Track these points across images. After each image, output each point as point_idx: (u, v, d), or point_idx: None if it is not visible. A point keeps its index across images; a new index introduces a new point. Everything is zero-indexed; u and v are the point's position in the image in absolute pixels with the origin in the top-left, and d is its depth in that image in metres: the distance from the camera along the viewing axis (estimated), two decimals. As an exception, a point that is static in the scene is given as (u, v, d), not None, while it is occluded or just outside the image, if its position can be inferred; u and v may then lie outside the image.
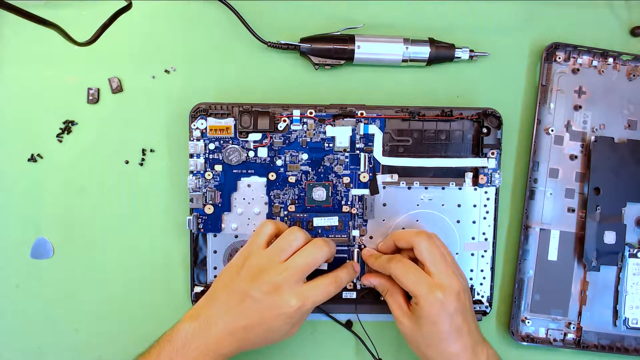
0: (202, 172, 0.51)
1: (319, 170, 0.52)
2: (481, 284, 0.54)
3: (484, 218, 0.53)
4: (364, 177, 0.52)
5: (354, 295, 0.53)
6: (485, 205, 0.53)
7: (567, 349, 0.54)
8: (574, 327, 0.54)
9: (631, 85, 0.54)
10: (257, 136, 0.52)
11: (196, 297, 0.52)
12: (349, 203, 0.52)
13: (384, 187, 0.53)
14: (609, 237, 0.53)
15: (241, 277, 0.45)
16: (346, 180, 0.52)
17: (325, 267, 0.53)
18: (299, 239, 0.46)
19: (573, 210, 0.54)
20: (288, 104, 0.52)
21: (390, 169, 0.52)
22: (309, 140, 0.52)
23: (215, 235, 0.53)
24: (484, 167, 0.52)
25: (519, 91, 0.55)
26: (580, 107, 0.54)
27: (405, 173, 0.53)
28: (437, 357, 0.45)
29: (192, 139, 0.51)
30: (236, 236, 0.53)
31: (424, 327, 0.45)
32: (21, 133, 0.53)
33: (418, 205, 0.53)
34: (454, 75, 0.55)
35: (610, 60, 0.54)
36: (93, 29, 0.44)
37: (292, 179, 0.52)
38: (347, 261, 0.52)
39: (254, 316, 0.44)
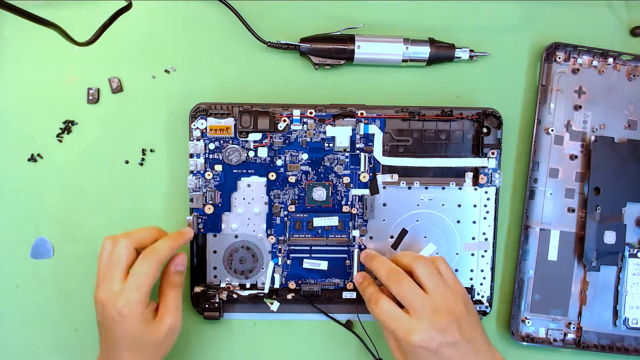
0: (202, 172, 0.51)
1: (319, 170, 0.52)
2: (481, 284, 0.54)
3: (484, 218, 0.53)
4: (364, 177, 0.52)
5: (354, 295, 0.53)
6: (485, 205, 0.53)
7: (567, 349, 0.54)
8: (574, 327, 0.54)
9: (631, 85, 0.54)
10: (257, 136, 0.52)
11: (196, 297, 0.52)
12: (349, 203, 0.52)
13: (384, 187, 0.53)
14: (609, 237, 0.53)
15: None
16: (346, 180, 0.52)
17: (325, 267, 0.53)
18: (124, 256, 0.44)
19: (573, 210, 0.54)
20: (288, 104, 0.52)
21: (390, 169, 0.52)
22: (309, 140, 0.52)
23: (215, 235, 0.53)
24: (484, 167, 0.52)
25: (519, 91, 0.55)
26: (580, 107, 0.54)
27: (406, 173, 0.53)
28: None
29: (192, 139, 0.51)
30: (236, 236, 0.53)
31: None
32: (21, 133, 0.53)
33: (418, 205, 0.53)
34: (454, 75, 0.55)
35: (610, 60, 0.54)
36: (93, 29, 0.44)
37: (292, 179, 0.52)
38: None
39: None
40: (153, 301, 0.46)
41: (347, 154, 0.52)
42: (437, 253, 0.53)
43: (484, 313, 0.54)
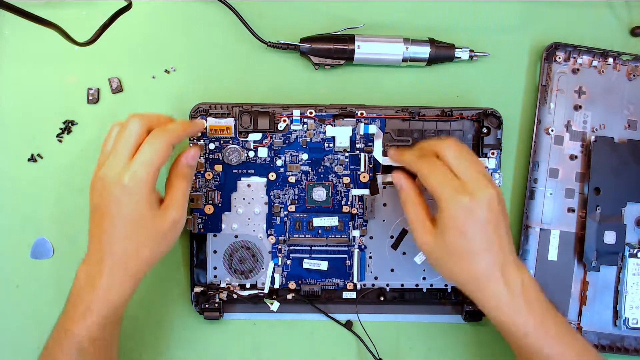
0: (202, 172, 0.51)
1: (319, 170, 0.52)
2: (481, 284, 0.54)
3: (484, 218, 0.53)
4: (364, 177, 0.52)
5: (354, 295, 0.53)
6: (485, 205, 0.53)
7: (567, 349, 0.54)
8: (574, 327, 0.54)
9: (631, 85, 0.54)
10: (257, 136, 0.52)
11: (196, 297, 0.52)
12: (349, 203, 0.52)
13: (384, 187, 0.53)
14: (609, 237, 0.53)
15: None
16: (346, 180, 0.52)
17: (325, 267, 0.53)
18: (134, 133, 0.41)
19: (573, 210, 0.54)
20: (288, 104, 0.52)
21: (390, 169, 0.52)
22: (309, 140, 0.52)
23: (215, 235, 0.53)
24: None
25: (519, 91, 0.55)
26: (580, 107, 0.54)
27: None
28: (461, 275, 0.41)
29: (192, 139, 0.51)
30: (236, 236, 0.53)
31: (447, 239, 0.40)
32: (21, 133, 0.53)
33: (418, 205, 0.53)
34: (454, 75, 0.55)
35: (610, 60, 0.54)
36: (93, 29, 0.44)
37: (292, 179, 0.52)
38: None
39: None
40: (159, 192, 0.43)
41: (347, 154, 0.52)
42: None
43: (484, 313, 0.53)
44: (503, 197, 0.43)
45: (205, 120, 0.51)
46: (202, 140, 0.51)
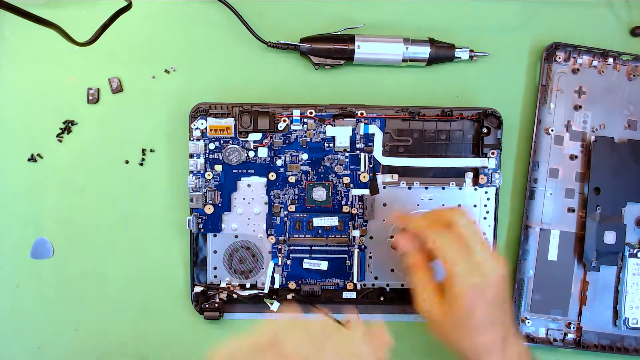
0: (202, 172, 0.51)
1: (319, 170, 0.52)
2: (481, 284, 0.54)
3: (484, 218, 0.53)
4: (364, 177, 0.52)
5: (354, 295, 0.53)
6: (485, 205, 0.53)
7: (567, 349, 0.54)
8: (574, 327, 0.54)
9: (631, 85, 0.54)
10: (257, 136, 0.52)
11: (196, 297, 0.52)
12: (349, 203, 0.52)
13: (384, 187, 0.53)
14: (609, 237, 0.53)
15: None
16: (346, 180, 0.52)
17: (325, 267, 0.53)
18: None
19: (573, 210, 0.54)
20: (288, 104, 0.52)
21: (390, 169, 0.52)
22: (309, 140, 0.52)
23: (215, 235, 0.53)
24: (484, 167, 0.52)
25: (519, 91, 0.55)
26: (580, 107, 0.54)
27: (406, 173, 0.52)
28: (462, 346, 0.42)
29: (192, 139, 0.51)
30: (236, 236, 0.53)
31: (454, 313, 0.41)
32: (21, 133, 0.53)
33: (418, 205, 0.53)
34: (454, 75, 0.55)
35: (610, 60, 0.54)
36: (93, 29, 0.44)
37: (292, 179, 0.52)
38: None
39: None
40: None
41: (347, 154, 0.52)
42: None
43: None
44: (508, 274, 0.43)
45: (205, 120, 0.51)
46: (202, 140, 0.51)
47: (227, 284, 0.53)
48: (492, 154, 0.52)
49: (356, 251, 0.53)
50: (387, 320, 0.54)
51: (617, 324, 0.54)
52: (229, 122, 0.51)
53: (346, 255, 0.53)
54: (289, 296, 0.52)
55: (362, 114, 0.52)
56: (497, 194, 0.53)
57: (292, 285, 0.53)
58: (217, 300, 0.52)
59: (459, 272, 0.40)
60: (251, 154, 0.52)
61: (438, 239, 0.42)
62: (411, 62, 0.53)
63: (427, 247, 0.42)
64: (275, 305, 0.52)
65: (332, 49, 0.52)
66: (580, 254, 0.53)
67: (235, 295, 0.52)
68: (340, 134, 0.52)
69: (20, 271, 0.53)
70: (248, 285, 0.53)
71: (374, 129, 0.52)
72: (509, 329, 0.42)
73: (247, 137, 0.52)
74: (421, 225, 0.44)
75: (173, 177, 0.54)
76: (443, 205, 0.53)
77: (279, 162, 0.52)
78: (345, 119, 0.52)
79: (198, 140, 0.51)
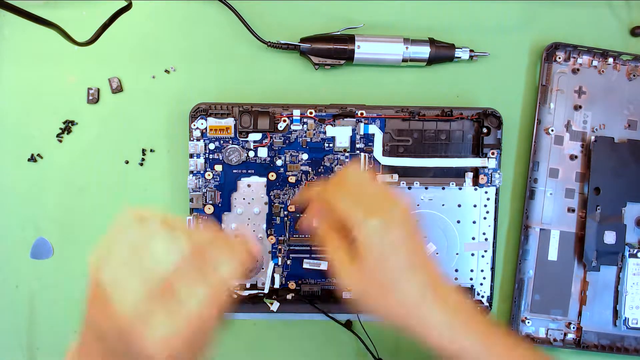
0: (202, 172, 0.51)
1: (319, 170, 0.52)
2: (481, 284, 0.54)
3: (484, 218, 0.53)
4: (364, 177, 0.52)
5: (354, 295, 0.53)
6: (485, 205, 0.53)
7: (567, 349, 0.54)
8: (574, 327, 0.54)
9: (631, 85, 0.54)
10: (257, 136, 0.52)
11: (196, 297, 0.52)
12: (349, 203, 0.52)
13: (384, 187, 0.53)
14: (609, 237, 0.53)
15: None
16: (346, 180, 0.52)
17: (325, 267, 0.53)
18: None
19: (573, 210, 0.54)
20: (288, 104, 0.52)
21: (390, 169, 0.52)
22: (309, 140, 0.52)
23: (215, 235, 0.53)
24: (484, 167, 0.52)
25: (519, 91, 0.55)
26: (580, 107, 0.54)
27: (406, 173, 0.52)
28: (392, 307, 0.37)
29: (192, 139, 0.51)
30: (236, 236, 0.53)
31: (368, 268, 0.37)
32: (21, 133, 0.53)
33: (418, 205, 0.53)
34: (454, 75, 0.55)
35: (610, 60, 0.54)
36: (93, 29, 0.44)
37: (292, 179, 0.52)
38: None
39: None
40: None
41: (347, 154, 0.52)
42: (437, 253, 0.53)
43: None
44: (408, 209, 0.39)
45: (205, 120, 0.51)
46: (202, 140, 0.51)
47: (227, 284, 0.53)
48: (492, 154, 0.52)
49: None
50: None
51: (617, 324, 0.54)
52: (229, 122, 0.51)
53: (346, 255, 0.53)
54: (289, 296, 0.52)
55: (362, 114, 0.52)
56: (497, 194, 0.53)
57: (292, 285, 0.53)
58: (217, 300, 0.52)
59: (357, 220, 0.37)
60: (251, 154, 0.52)
61: (331, 198, 0.39)
62: (411, 62, 0.53)
63: (330, 214, 0.39)
64: (275, 305, 0.52)
65: (332, 49, 0.52)
66: (580, 254, 0.53)
67: (235, 295, 0.52)
68: (340, 134, 0.52)
69: (20, 271, 0.53)
70: (248, 285, 0.53)
71: (374, 129, 0.52)
72: (434, 275, 0.38)
73: (247, 137, 0.52)
74: (318, 191, 0.42)
75: (173, 177, 0.54)
76: (443, 205, 0.53)
77: (279, 162, 0.52)
78: (345, 119, 0.52)
79: (198, 140, 0.51)
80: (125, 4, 0.45)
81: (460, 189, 0.53)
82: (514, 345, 0.39)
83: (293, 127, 0.52)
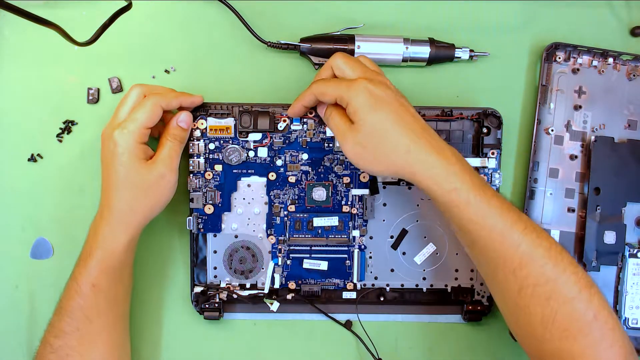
0: (202, 172, 0.51)
1: (319, 170, 0.52)
2: (481, 284, 0.54)
3: (484, 218, 0.53)
4: (364, 177, 0.52)
5: (354, 295, 0.53)
6: (485, 205, 0.53)
7: (567, 349, 0.54)
8: (574, 327, 0.54)
9: (631, 85, 0.54)
10: (257, 136, 0.52)
11: (196, 297, 0.52)
12: (349, 203, 0.52)
13: (384, 187, 0.53)
14: (609, 237, 0.53)
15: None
16: (346, 180, 0.52)
17: (325, 267, 0.53)
18: (132, 97, 0.47)
19: (573, 210, 0.54)
20: (288, 104, 0.52)
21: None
22: (309, 140, 0.52)
23: (215, 235, 0.53)
24: (484, 167, 0.52)
25: (519, 91, 0.55)
26: (580, 107, 0.54)
27: (405, 173, 0.52)
28: (391, 166, 0.43)
29: (192, 139, 0.51)
30: (236, 236, 0.53)
31: (363, 132, 0.42)
32: (21, 133, 0.53)
33: (418, 205, 0.53)
34: (454, 75, 0.55)
35: (610, 60, 0.54)
36: (93, 29, 0.44)
37: (292, 179, 0.52)
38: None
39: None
40: (152, 150, 0.48)
41: (347, 154, 0.52)
42: (437, 253, 0.53)
43: (484, 313, 0.53)
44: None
45: (205, 120, 0.51)
46: (202, 140, 0.51)
47: (227, 284, 0.53)
48: (492, 154, 0.52)
49: (356, 251, 0.53)
50: (387, 320, 0.54)
51: (617, 324, 0.53)
52: (229, 122, 0.51)
53: (346, 255, 0.53)
54: (289, 296, 0.52)
55: (362, 114, 0.52)
56: (497, 194, 0.53)
57: (292, 285, 0.53)
58: (217, 300, 0.52)
59: (343, 92, 0.42)
60: (251, 154, 0.52)
61: (322, 85, 0.45)
62: (411, 62, 0.53)
63: (331, 99, 0.45)
64: (275, 306, 0.52)
65: (332, 49, 0.52)
66: (580, 254, 0.53)
67: (235, 296, 0.52)
68: (340, 134, 0.52)
69: (20, 271, 0.53)
70: (248, 285, 0.53)
71: (374, 129, 0.52)
72: (422, 124, 0.43)
73: (247, 137, 0.52)
74: (304, 93, 0.47)
75: (173, 177, 0.54)
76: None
77: (279, 162, 0.52)
78: (345, 119, 0.52)
79: (198, 140, 0.51)
80: (125, 4, 0.45)
81: (460, 189, 0.53)
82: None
83: (293, 127, 0.52)
